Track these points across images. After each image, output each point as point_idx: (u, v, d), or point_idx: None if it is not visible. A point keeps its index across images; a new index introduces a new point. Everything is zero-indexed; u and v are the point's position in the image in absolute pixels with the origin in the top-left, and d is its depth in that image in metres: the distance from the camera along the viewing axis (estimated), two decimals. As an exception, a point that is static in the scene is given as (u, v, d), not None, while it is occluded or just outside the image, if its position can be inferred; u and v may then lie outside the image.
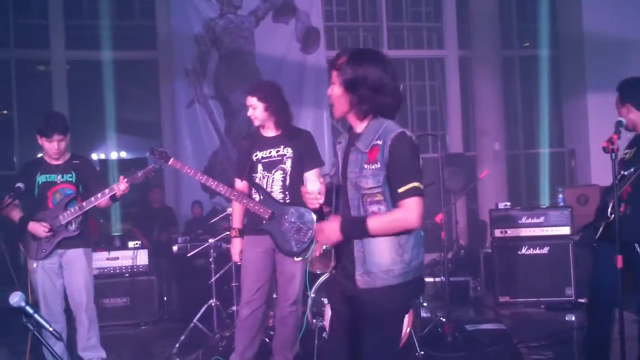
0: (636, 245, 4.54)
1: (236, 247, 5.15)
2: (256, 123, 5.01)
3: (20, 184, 5.34)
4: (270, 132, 5.02)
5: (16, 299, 2.96)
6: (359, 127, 3.18)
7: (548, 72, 10.62)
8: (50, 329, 3.06)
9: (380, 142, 3.07)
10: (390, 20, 11.47)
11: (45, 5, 10.36)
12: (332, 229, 3.06)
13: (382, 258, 3.05)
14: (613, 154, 4.44)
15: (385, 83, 3.09)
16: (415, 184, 3.00)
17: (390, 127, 3.09)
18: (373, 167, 3.07)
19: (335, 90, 3.16)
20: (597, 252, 4.85)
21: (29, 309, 2.96)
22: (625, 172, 4.68)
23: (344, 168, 3.20)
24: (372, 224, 3.01)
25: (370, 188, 3.07)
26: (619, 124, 4.54)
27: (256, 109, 4.93)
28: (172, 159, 5.16)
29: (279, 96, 4.96)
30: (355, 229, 3.05)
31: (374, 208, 3.07)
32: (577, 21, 10.56)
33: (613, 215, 4.53)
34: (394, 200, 3.04)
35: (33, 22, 10.56)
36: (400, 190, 3.01)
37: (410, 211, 3.00)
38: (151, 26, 10.72)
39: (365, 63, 3.10)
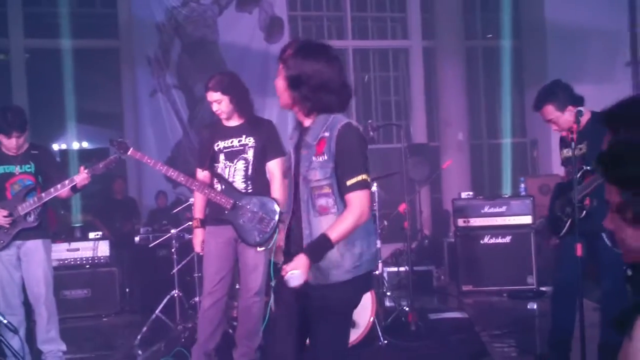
0: (603, 235, 4.60)
1: (198, 237, 5.11)
2: (223, 117, 4.95)
3: (-23, 175, 5.26)
4: (232, 122, 4.97)
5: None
6: (307, 121, 3.17)
7: (510, 62, 10.70)
8: (5, 322, 3.01)
9: (327, 134, 3.06)
10: (355, 10, 11.45)
11: (3, -7, 10.17)
12: (302, 267, 2.96)
13: (331, 253, 3.00)
14: (572, 144, 4.51)
15: (330, 80, 3.06)
16: (363, 176, 2.99)
17: (338, 119, 3.07)
18: (321, 159, 3.05)
19: (280, 83, 3.14)
20: (563, 245, 4.91)
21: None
22: (588, 167, 4.75)
23: (297, 163, 3.18)
24: (334, 236, 2.96)
25: (318, 180, 3.05)
26: (579, 113, 4.59)
27: (221, 102, 4.87)
28: (131, 149, 5.09)
29: (240, 85, 4.92)
30: (322, 251, 2.99)
31: (322, 201, 3.05)
32: (539, 10, 10.65)
33: (585, 212, 4.65)
34: (342, 193, 3.02)
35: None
36: (348, 183, 2.99)
37: (359, 206, 2.98)
38: (112, 14, 10.57)
39: (310, 59, 3.06)
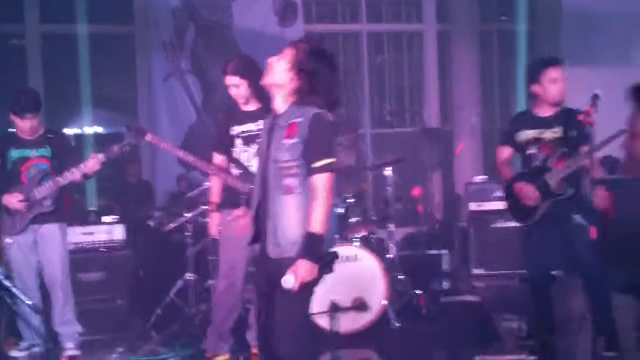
0: (577, 216, 4.78)
1: (214, 221, 5.16)
2: (241, 101, 4.97)
3: (-5, 158, 5.34)
4: (249, 106, 5.00)
5: (-6, 273, 2.96)
6: (283, 108, 3.43)
7: (525, 46, 10.62)
8: (29, 303, 3.07)
9: (300, 120, 3.32)
10: (369, -7, 11.40)
11: (19, -23, 10.19)
12: (307, 269, 3.21)
13: (290, 231, 3.28)
14: (590, 127, 4.53)
15: (329, 85, 3.42)
16: (329, 160, 3.27)
17: (310, 108, 3.35)
18: (291, 141, 3.31)
19: (281, 64, 3.41)
20: (534, 231, 4.94)
21: (7, 283, 2.97)
22: (565, 149, 4.81)
23: (267, 146, 3.42)
24: (316, 227, 3.22)
25: (286, 161, 3.31)
26: (595, 97, 4.60)
27: (239, 87, 4.90)
28: (149, 135, 5.13)
29: (257, 70, 4.92)
30: (316, 246, 3.24)
31: (288, 181, 3.30)
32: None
33: (566, 193, 4.70)
34: (309, 174, 3.27)
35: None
36: (315, 165, 3.25)
37: (324, 189, 3.25)
38: (127, -1, 10.59)
39: (323, 61, 3.41)
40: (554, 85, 4.87)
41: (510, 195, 5.05)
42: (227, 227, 5.04)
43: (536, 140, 4.95)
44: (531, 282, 5.23)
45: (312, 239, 3.22)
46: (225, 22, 10.51)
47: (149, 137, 5.17)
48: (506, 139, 5.15)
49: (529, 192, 4.85)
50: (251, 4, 10.58)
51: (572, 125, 4.82)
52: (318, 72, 3.37)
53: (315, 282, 3.31)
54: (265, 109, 4.98)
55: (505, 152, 5.14)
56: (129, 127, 5.29)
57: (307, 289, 3.28)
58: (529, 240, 5.08)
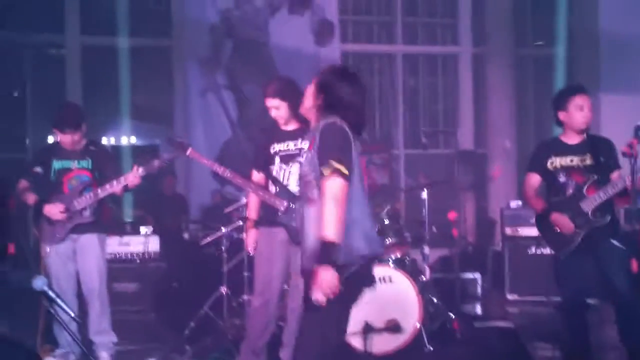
0: (613, 241, 4.81)
1: (251, 237, 5.18)
2: (282, 122, 5.02)
3: (38, 169, 5.42)
4: (289, 126, 5.05)
5: (39, 283, 2.99)
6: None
7: (563, 70, 10.58)
8: (72, 314, 3.11)
9: (317, 133, 3.35)
10: (405, 15, 11.43)
11: (60, -11, 10.36)
12: (323, 277, 3.14)
13: (310, 241, 3.31)
14: (632, 159, 4.52)
15: (353, 103, 3.44)
16: (336, 165, 3.20)
17: (327, 120, 3.38)
18: (310, 155, 3.35)
19: (310, 90, 3.56)
20: (567, 261, 4.93)
21: (52, 294, 3.00)
22: (595, 177, 4.85)
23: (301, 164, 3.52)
24: (328, 233, 3.16)
25: (307, 174, 3.35)
26: (638, 128, 4.58)
27: (280, 108, 4.95)
28: (190, 149, 5.18)
29: (297, 91, 4.96)
30: (327, 253, 3.16)
31: (309, 192, 3.34)
32: (594, 19, 10.50)
33: (603, 221, 4.68)
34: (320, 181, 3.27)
35: (48, 6, 10.55)
36: (324, 172, 3.23)
37: (330, 193, 3.20)
38: (166, 12, 10.71)
39: (345, 82, 3.47)
40: (580, 112, 4.88)
41: (545, 225, 5.04)
42: (264, 243, 5.06)
43: (565, 168, 4.95)
44: (566, 310, 5.20)
45: (323, 246, 3.16)
46: (262, 40, 10.61)
47: (189, 152, 5.21)
48: (535, 166, 5.13)
49: (565, 223, 4.85)
50: (288, 22, 10.66)
51: (600, 152, 4.86)
52: (339, 90, 3.42)
53: (345, 298, 3.24)
54: (305, 129, 5.03)
55: (534, 179, 5.13)
56: (170, 141, 5.34)
57: (334, 305, 3.20)
58: (562, 268, 5.05)
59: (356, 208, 3.30)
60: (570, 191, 4.93)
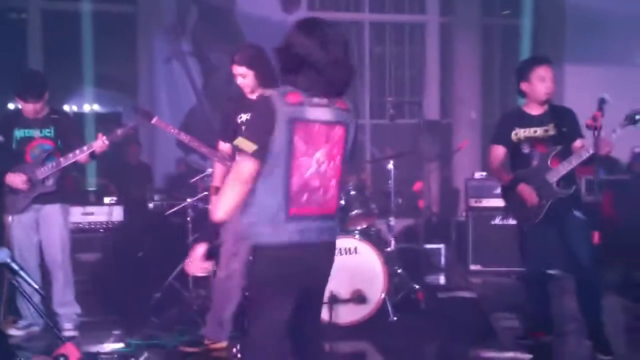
0: (576, 212, 4.89)
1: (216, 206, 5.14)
2: (247, 91, 4.96)
3: (0, 137, 5.32)
4: (255, 95, 4.99)
5: (2, 254, 2.96)
6: None
7: (528, 41, 10.62)
8: (35, 286, 3.08)
9: None
10: (373, -18, 11.37)
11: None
12: (194, 255, 3.05)
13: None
14: (596, 132, 4.57)
15: (315, 58, 3.05)
16: (244, 142, 3.00)
17: (281, 88, 3.11)
18: None
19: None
20: (533, 231, 5.00)
21: (14, 266, 2.97)
22: (558, 148, 4.91)
23: None
24: (215, 214, 3.05)
25: None
26: (602, 101, 4.64)
27: (246, 77, 4.88)
28: (156, 118, 5.13)
29: (265, 60, 4.90)
30: (208, 231, 3.13)
31: None
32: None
33: (568, 191, 4.76)
34: None
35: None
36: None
37: (233, 172, 3.06)
38: (130, -21, 10.52)
39: (302, 34, 3.09)
40: (542, 83, 4.93)
41: (511, 197, 5.08)
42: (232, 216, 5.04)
43: (529, 139, 4.99)
44: (528, 281, 5.29)
45: (209, 224, 3.17)
46: (228, 6, 10.47)
47: (155, 120, 5.15)
48: (499, 138, 5.16)
49: (530, 194, 4.89)
50: (255, -11, 10.54)
51: (563, 122, 4.91)
52: (295, 46, 3.05)
53: (263, 281, 3.10)
54: None
55: (499, 151, 5.15)
56: (135, 109, 5.27)
57: (255, 285, 3.17)
58: (526, 239, 5.12)
59: (267, 190, 3.04)
60: (534, 162, 4.98)
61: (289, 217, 3.04)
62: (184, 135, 5.11)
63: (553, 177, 4.88)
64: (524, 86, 5.01)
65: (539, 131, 4.96)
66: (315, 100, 3.08)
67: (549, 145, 4.93)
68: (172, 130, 5.13)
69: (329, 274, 3.31)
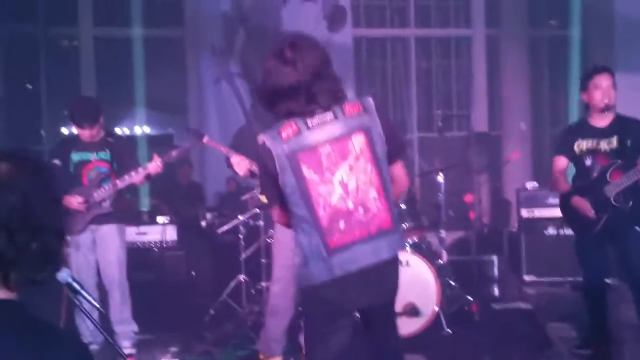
0: (637, 227, 4.84)
1: None
2: None
3: (57, 161, 5.46)
4: None
5: (63, 274, 3.03)
6: None
7: (578, 51, 10.50)
8: (96, 304, 3.15)
9: None
10: (417, -3, 11.39)
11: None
12: None
13: None
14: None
15: (281, 84, 2.93)
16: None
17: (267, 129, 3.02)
18: None
19: None
20: (588, 242, 4.97)
21: (76, 285, 3.04)
22: (619, 161, 4.83)
23: None
24: None
25: None
26: None
27: None
28: (206, 137, 5.20)
29: None
30: None
31: None
32: (608, 1, 10.44)
33: (625, 206, 4.70)
34: None
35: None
36: None
37: None
38: (178, 3, 10.72)
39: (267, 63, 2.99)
40: (598, 90, 4.86)
41: (568, 208, 5.04)
42: (280, 229, 5.08)
43: (591, 151, 4.94)
44: (586, 290, 5.22)
45: None
46: (274, 27, 10.58)
47: (206, 140, 5.23)
48: (562, 149, 5.12)
49: (585, 207, 4.85)
50: (301, 9, 10.63)
51: (628, 135, 4.82)
52: (274, 79, 2.93)
53: (309, 316, 3.20)
54: None
55: (562, 162, 5.11)
56: (187, 129, 5.36)
57: (306, 321, 3.27)
58: (584, 249, 5.07)
59: (303, 232, 2.96)
60: (594, 174, 4.92)
61: (331, 251, 2.90)
62: (233, 153, 5.16)
63: (611, 191, 4.82)
64: (583, 96, 4.97)
65: (602, 143, 4.90)
66: (315, 121, 2.91)
67: (610, 158, 4.87)
68: (223, 149, 5.20)
69: (395, 288, 3.22)
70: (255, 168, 4.87)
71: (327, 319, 3.02)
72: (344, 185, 2.90)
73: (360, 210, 2.92)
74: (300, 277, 3.02)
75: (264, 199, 3.06)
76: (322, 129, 2.90)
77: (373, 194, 2.94)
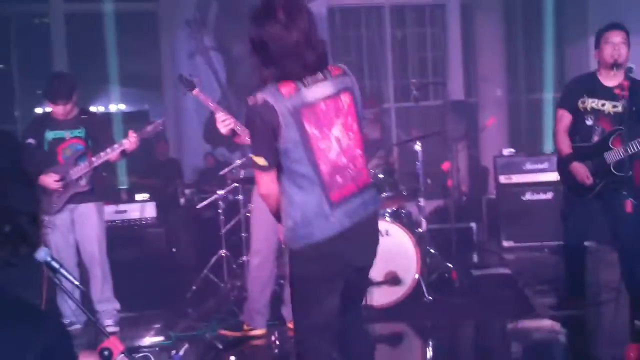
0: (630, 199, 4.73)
1: None
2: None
3: (31, 140, 5.41)
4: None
5: (42, 253, 3.01)
6: None
7: (551, 16, 10.50)
8: (76, 282, 3.14)
9: None
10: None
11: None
12: None
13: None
14: (624, 100, 4.53)
15: (288, 44, 2.90)
16: (253, 159, 2.99)
17: (260, 89, 2.98)
18: None
19: None
20: (581, 204, 5.01)
21: (55, 264, 3.02)
22: (622, 128, 4.77)
23: None
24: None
25: None
26: (629, 70, 4.59)
27: None
28: (196, 90, 5.09)
29: None
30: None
31: None
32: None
33: (625, 174, 4.71)
34: None
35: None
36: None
37: (257, 186, 3.10)
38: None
39: (260, 23, 2.93)
40: (608, 46, 4.78)
41: (565, 169, 5.03)
42: (258, 202, 5.07)
43: (595, 111, 4.89)
44: (566, 251, 5.27)
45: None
46: (247, -1, 10.50)
47: (196, 92, 5.10)
48: (566, 103, 5.03)
49: (583, 174, 4.85)
50: (274, -21, 10.55)
51: (635, 99, 4.73)
52: (260, 37, 2.92)
53: (305, 277, 3.06)
54: None
55: (566, 118, 5.01)
56: (180, 78, 5.22)
57: (296, 284, 3.09)
58: (572, 212, 5.11)
59: (303, 190, 2.96)
60: (595, 137, 4.90)
61: (333, 204, 2.95)
62: (220, 110, 4.98)
63: (611, 159, 4.81)
64: (596, 54, 4.91)
65: (607, 105, 4.86)
66: (310, 79, 2.95)
67: (614, 123, 4.82)
68: (210, 104, 5.07)
69: (376, 250, 3.21)
70: (239, 127, 4.80)
71: (324, 279, 3.02)
72: (338, 142, 2.99)
73: (351, 165, 3.03)
74: (296, 238, 2.98)
75: (261, 161, 2.93)
76: (317, 87, 2.96)
77: (358, 151, 3.06)
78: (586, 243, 5.35)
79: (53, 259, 3.12)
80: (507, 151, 8.12)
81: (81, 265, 5.64)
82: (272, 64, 2.93)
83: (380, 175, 6.19)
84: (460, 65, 11.20)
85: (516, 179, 7.83)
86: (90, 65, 10.13)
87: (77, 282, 3.26)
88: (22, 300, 1.76)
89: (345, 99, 3.03)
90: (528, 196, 7.73)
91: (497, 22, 10.87)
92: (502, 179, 7.90)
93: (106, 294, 5.63)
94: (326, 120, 2.96)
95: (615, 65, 4.78)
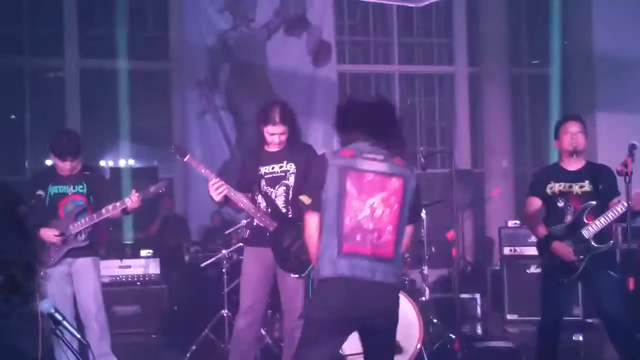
0: (610, 272, 4.86)
1: None
2: (277, 148, 4.94)
3: (41, 192, 5.44)
4: (273, 147, 4.96)
5: (46, 305, 3.01)
6: None
7: (558, 90, 10.63)
8: (78, 336, 3.13)
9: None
10: (402, 35, 11.52)
11: (59, 13, 10.41)
12: None
13: None
14: (627, 178, 4.58)
15: None
16: (302, 197, 3.61)
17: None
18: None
19: None
20: (562, 285, 5.02)
21: (58, 316, 3.02)
22: (594, 203, 4.87)
23: None
24: None
25: None
26: (632, 147, 4.66)
27: (284, 134, 4.88)
28: (189, 156, 5.11)
29: (294, 114, 4.96)
30: None
31: None
32: (588, 39, 10.59)
33: (606, 246, 4.76)
34: None
35: (47, 31, 10.62)
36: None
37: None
38: (164, 37, 10.79)
39: None
40: (566, 135, 4.98)
41: (546, 251, 5.07)
42: (251, 263, 5.01)
43: (564, 194, 5.00)
44: (541, 330, 5.26)
45: None
46: (259, 62, 10.67)
47: (188, 159, 5.12)
48: (535, 190, 5.18)
49: (566, 252, 4.88)
50: (285, 44, 10.74)
51: (599, 180, 4.91)
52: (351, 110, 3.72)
53: (314, 315, 3.49)
54: (289, 150, 4.91)
55: (535, 203, 5.15)
56: (173, 146, 5.26)
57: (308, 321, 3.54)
58: (549, 289, 5.14)
59: (326, 229, 3.45)
60: (568, 217, 4.97)
61: (341, 253, 3.37)
62: (213, 176, 4.99)
63: (589, 233, 4.87)
64: (556, 144, 5.12)
65: (575, 186, 4.97)
66: (369, 155, 3.47)
67: (583, 201, 4.91)
68: (203, 170, 5.08)
69: (395, 318, 3.50)
70: (232, 194, 4.82)
71: (327, 324, 3.39)
72: (372, 209, 3.42)
73: (376, 234, 3.40)
74: (318, 269, 3.48)
75: (306, 199, 3.54)
76: (372, 162, 3.47)
77: (390, 227, 3.43)
78: (589, 320, 5.31)
79: (56, 310, 3.12)
80: (512, 222, 8.11)
81: (78, 318, 5.59)
82: (348, 131, 3.60)
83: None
84: (467, 135, 11.31)
85: (521, 251, 7.80)
86: (102, 120, 10.25)
87: (79, 335, 3.26)
88: (18, 350, 1.75)
89: (395, 182, 3.47)
90: (533, 269, 7.68)
91: (504, 93, 11.00)
92: (507, 250, 7.88)
93: (104, 348, 5.54)
94: (367, 188, 3.43)
95: (574, 152, 4.99)
